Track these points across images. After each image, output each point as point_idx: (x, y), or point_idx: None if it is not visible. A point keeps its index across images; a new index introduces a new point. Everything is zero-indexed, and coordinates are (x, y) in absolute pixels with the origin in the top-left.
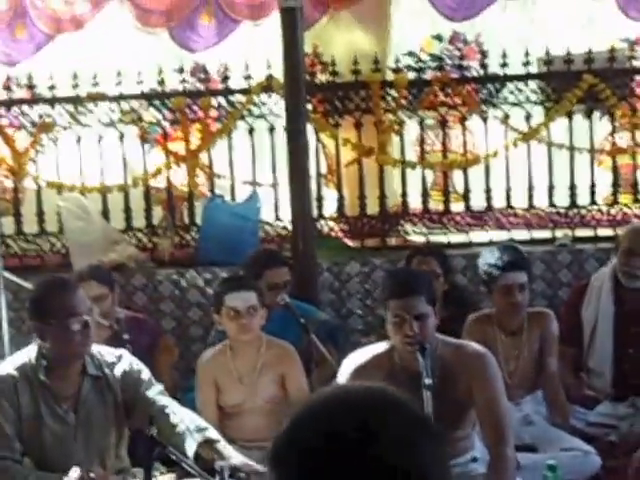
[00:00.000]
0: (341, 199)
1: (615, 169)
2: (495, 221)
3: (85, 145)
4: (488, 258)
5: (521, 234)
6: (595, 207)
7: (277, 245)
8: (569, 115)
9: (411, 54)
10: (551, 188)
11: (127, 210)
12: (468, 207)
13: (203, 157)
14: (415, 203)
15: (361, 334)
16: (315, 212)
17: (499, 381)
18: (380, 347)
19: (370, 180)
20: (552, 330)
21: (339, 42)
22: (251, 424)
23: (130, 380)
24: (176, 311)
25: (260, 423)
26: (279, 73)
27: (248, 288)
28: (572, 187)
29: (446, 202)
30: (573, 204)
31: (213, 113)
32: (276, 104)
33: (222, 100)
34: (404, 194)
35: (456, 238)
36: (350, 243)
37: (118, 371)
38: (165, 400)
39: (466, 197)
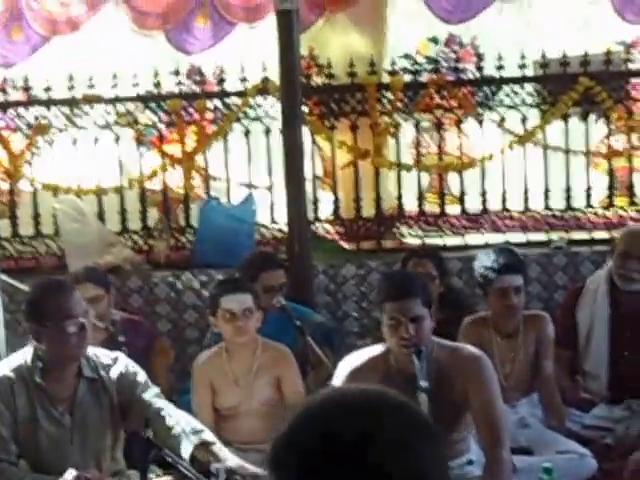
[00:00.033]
0: (337, 201)
1: (611, 172)
2: (491, 224)
3: (81, 147)
4: (484, 261)
5: (517, 237)
6: (591, 210)
7: (273, 247)
8: (565, 118)
9: (407, 56)
10: (547, 191)
11: (123, 212)
12: (464, 210)
13: (199, 159)
14: (411, 206)
15: (357, 336)
16: (311, 214)
17: (495, 384)
18: (376, 350)
19: (366, 182)
20: (548, 333)
21: (335, 44)
22: (247, 426)
23: (126, 382)
24: (172, 313)
25: (256, 425)
26: (275, 75)
27: (244, 290)
28: (568, 190)
29: (442, 205)
30: (569, 207)
31: (209, 115)
32: (272, 106)
33: (218, 102)
34: (400, 197)
35: (452, 241)
36: (346, 245)
37: (114, 373)
38: (161, 402)
39: (462, 200)
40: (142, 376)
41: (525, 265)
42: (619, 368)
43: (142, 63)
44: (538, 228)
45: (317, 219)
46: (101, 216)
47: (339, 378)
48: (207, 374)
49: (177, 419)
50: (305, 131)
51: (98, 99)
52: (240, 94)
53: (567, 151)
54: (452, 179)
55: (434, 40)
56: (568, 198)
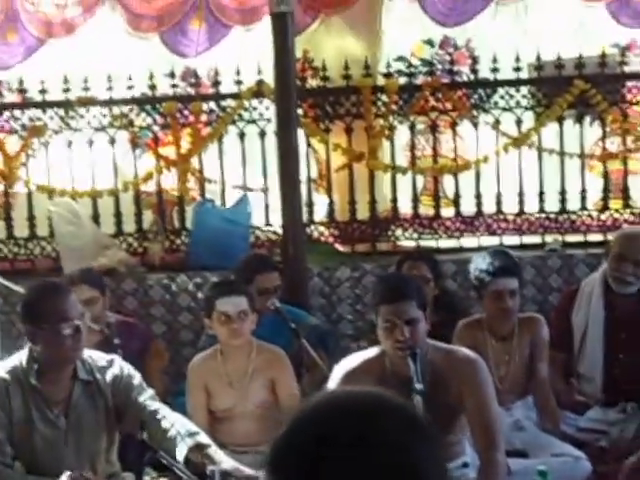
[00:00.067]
0: (331, 204)
1: (606, 174)
2: (485, 226)
3: (76, 149)
4: (479, 263)
5: (511, 239)
6: (585, 212)
7: (267, 250)
8: (560, 120)
9: (402, 59)
10: (541, 193)
11: (118, 214)
12: (458, 212)
13: (194, 162)
14: (405, 208)
15: (351, 339)
16: (305, 217)
17: (490, 386)
18: (371, 352)
19: (360, 185)
20: (542, 335)
21: (330, 47)
22: (242, 429)
23: (121, 385)
24: (167, 315)
25: (251, 428)
26: (270, 78)
27: (239, 293)
28: (562, 192)
29: (436, 207)
30: (563, 209)
31: (204, 118)
32: (267, 109)
33: (213, 105)
34: (394, 199)
35: (446, 243)
36: (340, 248)
37: (109, 376)
38: (156, 405)
39: (456, 202)
40: (137, 379)
41: (520, 268)
42: (614, 371)
43: (137, 65)
44: (533, 231)
45: (312, 222)
46: (96, 218)
47: (334, 381)
48: (202, 376)
49: (172, 421)
50: (300, 134)
51: (93, 101)
52: (235, 96)
53: (562, 154)
54: (447, 182)
55: (429, 42)
56: (563, 201)
